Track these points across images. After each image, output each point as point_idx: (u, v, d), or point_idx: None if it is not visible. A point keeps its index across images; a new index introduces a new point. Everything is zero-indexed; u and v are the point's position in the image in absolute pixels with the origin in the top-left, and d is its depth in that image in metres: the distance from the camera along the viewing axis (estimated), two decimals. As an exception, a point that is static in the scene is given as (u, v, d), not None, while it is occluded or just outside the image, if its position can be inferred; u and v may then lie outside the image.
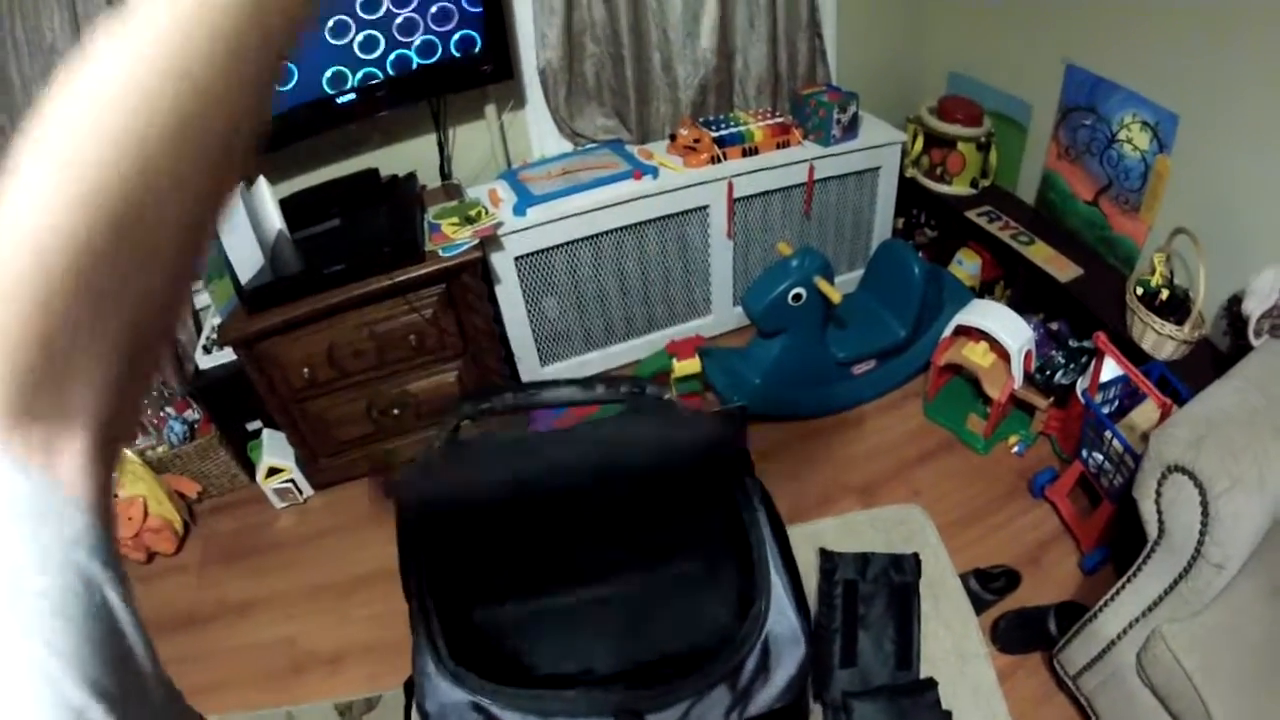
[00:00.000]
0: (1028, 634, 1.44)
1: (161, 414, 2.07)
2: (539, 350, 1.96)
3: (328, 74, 1.70)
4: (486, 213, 1.73)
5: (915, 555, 1.53)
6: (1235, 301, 1.57)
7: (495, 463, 0.50)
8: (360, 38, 1.68)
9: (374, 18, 1.65)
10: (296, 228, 1.83)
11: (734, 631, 0.46)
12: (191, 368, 2.08)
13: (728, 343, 1.90)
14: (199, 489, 2.07)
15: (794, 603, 0.49)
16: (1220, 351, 1.68)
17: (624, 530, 0.48)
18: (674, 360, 1.76)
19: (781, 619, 0.46)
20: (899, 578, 1.50)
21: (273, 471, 1.94)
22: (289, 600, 1.80)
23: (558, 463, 0.49)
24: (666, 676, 0.46)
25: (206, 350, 1.95)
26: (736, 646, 0.46)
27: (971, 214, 2.09)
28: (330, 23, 1.65)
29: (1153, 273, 1.71)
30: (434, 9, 1.68)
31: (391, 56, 1.72)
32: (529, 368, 1.95)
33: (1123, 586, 1.17)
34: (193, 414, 2.08)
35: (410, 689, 0.59)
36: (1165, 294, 1.68)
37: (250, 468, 2.05)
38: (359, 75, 1.72)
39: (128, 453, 1.93)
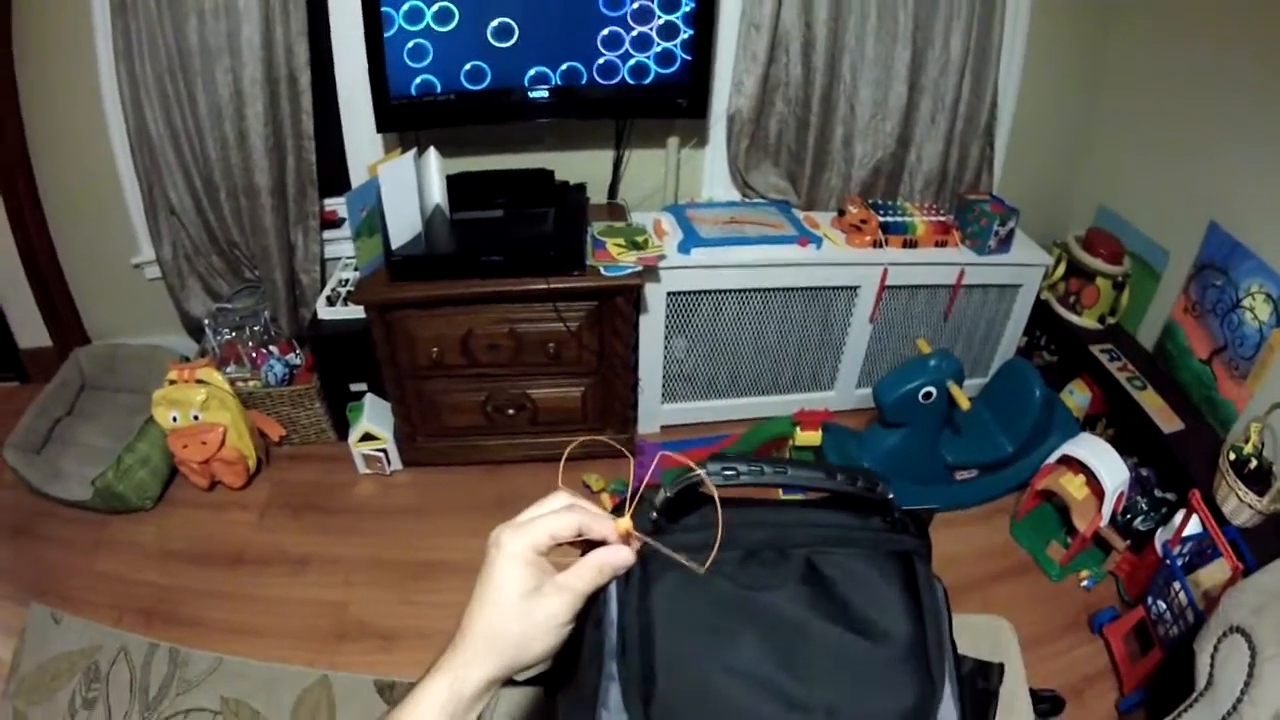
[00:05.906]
0: (1062, 755, 1.48)
1: (263, 350, 2.05)
2: (664, 387, 1.97)
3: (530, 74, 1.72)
4: (652, 242, 1.73)
5: (1001, 666, 1.56)
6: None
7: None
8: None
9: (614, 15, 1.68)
10: (457, 208, 1.83)
11: (904, 703, 0.49)
12: (308, 314, 2.07)
13: (843, 422, 1.91)
14: (283, 433, 2.05)
15: (955, 694, 0.53)
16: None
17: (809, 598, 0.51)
18: (797, 428, 1.77)
19: (947, 706, 0.51)
20: (983, 684, 1.52)
21: (367, 437, 1.92)
22: (349, 566, 1.76)
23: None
24: None
25: (330, 302, 1.93)
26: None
27: (1094, 348, 2.12)
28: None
29: (1247, 441, 1.74)
30: (654, 26, 1.69)
31: (599, 62, 1.72)
32: (649, 401, 1.96)
33: (1159, 729, 1.22)
34: (295, 358, 2.07)
35: (548, 687, 0.58)
36: (1254, 463, 1.71)
37: (341, 426, 2.03)
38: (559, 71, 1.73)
39: (219, 377, 1.90)
